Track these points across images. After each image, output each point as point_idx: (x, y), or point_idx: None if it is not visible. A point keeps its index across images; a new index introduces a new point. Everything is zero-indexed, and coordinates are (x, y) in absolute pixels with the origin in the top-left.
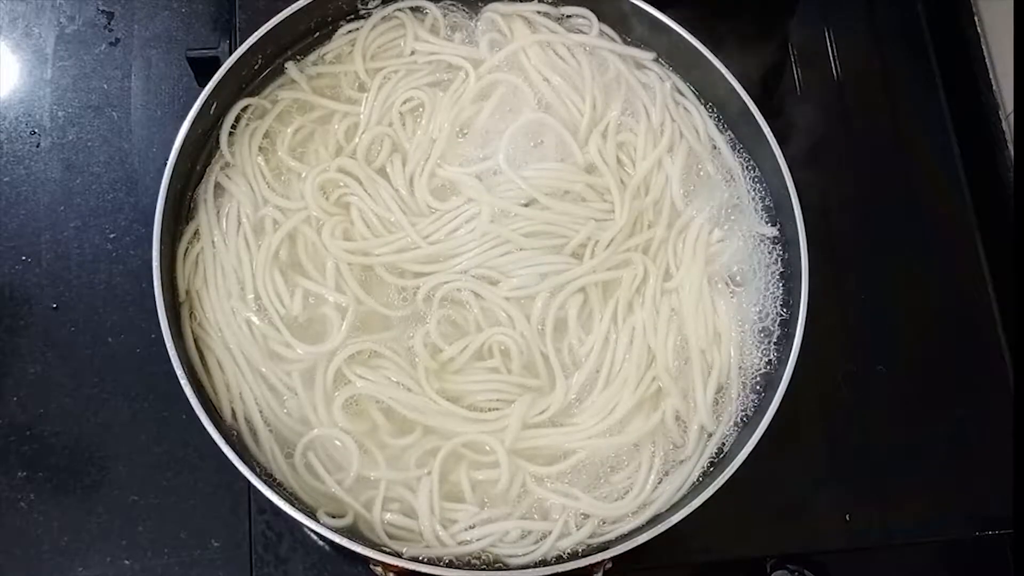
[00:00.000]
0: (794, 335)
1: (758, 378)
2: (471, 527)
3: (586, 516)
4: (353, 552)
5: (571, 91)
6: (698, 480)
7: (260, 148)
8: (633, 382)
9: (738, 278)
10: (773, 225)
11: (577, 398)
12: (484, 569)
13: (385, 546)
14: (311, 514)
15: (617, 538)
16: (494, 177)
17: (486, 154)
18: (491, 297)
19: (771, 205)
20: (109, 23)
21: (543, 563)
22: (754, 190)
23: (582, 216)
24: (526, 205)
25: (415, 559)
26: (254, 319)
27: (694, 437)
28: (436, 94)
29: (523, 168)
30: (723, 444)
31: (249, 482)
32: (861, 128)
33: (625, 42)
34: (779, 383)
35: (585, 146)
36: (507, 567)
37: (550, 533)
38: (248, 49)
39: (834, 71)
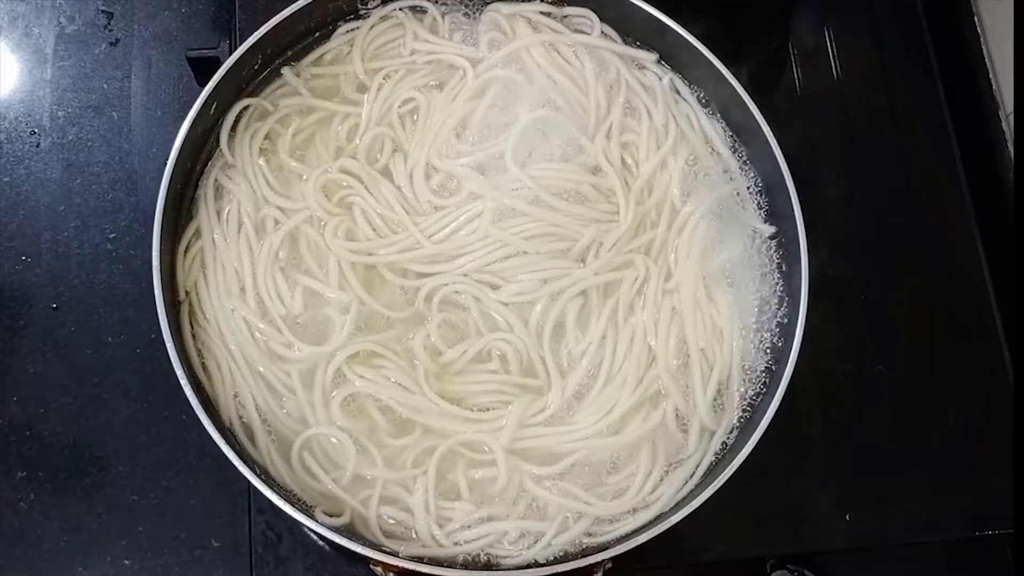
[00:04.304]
0: (794, 335)
1: (758, 377)
2: (468, 527)
3: (582, 514)
4: (353, 552)
5: (576, 91)
6: (699, 480)
7: (261, 149)
8: (633, 382)
9: (737, 277)
10: (772, 224)
11: (575, 398)
12: (483, 569)
13: (382, 545)
14: (309, 513)
15: (617, 538)
16: (499, 175)
17: (486, 147)
18: (489, 302)
19: (770, 204)
20: (109, 23)
21: (542, 563)
22: (753, 189)
23: (586, 218)
24: (530, 203)
25: (413, 558)
26: (254, 319)
27: (695, 436)
28: (433, 94)
29: (528, 167)
30: (724, 444)
31: (249, 482)
32: (861, 128)
33: (626, 42)
34: (779, 383)
35: (590, 146)
36: (505, 567)
37: (547, 531)
38: (248, 49)
39: (834, 71)
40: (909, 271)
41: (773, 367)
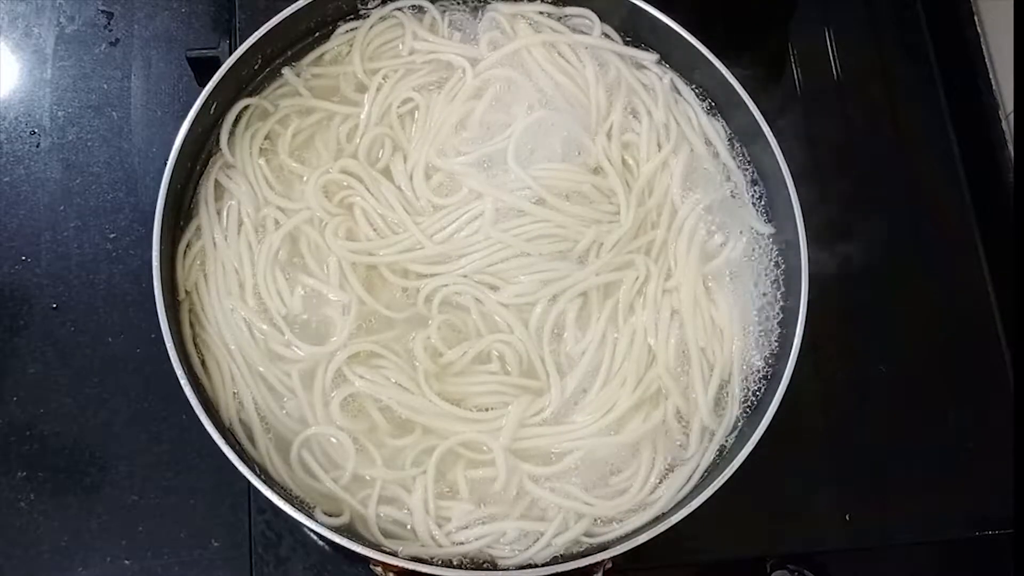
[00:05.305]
0: (794, 335)
1: (759, 377)
2: (467, 526)
3: (582, 515)
4: (352, 552)
5: (576, 91)
6: (700, 480)
7: (261, 150)
8: (633, 382)
9: (738, 277)
10: (772, 224)
11: (574, 397)
12: (482, 569)
13: (381, 545)
14: (309, 513)
15: (617, 538)
16: (500, 174)
17: (487, 146)
18: (489, 303)
19: (770, 204)
20: (109, 23)
21: (541, 563)
22: (753, 189)
23: (588, 218)
24: (532, 203)
25: (412, 558)
26: (254, 318)
27: (695, 436)
28: (432, 94)
29: (530, 166)
30: (724, 444)
31: (249, 482)
32: (861, 128)
33: (626, 43)
34: (779, 383)
35: (591, 146)
36: (504, 567)
37: (546, 531)
38: (248, 49)
39: (834, 71)
40: (909, 271)
41: (773, 367)
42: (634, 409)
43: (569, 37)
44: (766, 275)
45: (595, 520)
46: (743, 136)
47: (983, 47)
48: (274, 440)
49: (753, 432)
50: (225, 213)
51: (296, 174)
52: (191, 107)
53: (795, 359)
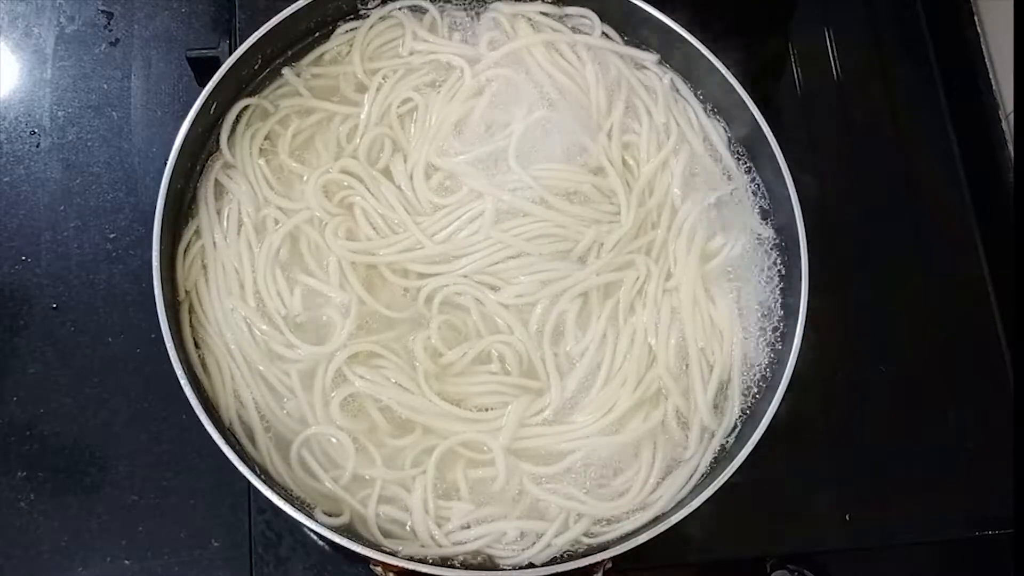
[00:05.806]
0: (794, 335)
1: (758, 377)
2: (467, 526)
3: (582, 515)
4: (353, 552)
5: (577, 91)
6: (700, 480)
7: (261, 150)
8: (633, 382)
9: (737, 277)
10: (772, 224)
11: (574, 397)
12: (482, 569)
13: (381, 545)
14: (309, 513)
15: (617, 538)
16: (501, 174)
17: (487, 146)
18: (490, 304)
19: (770, 204)
20: (109, 23)
21: (541, 563)
22: (753, 189)
23: (588, 218)
24: (533, 203)
25: (412, 558)
26: (254, 318)
27: (695, 437)
28: (431, 94)
29: (530, 166)
30: (724, 444)
31: (249, 482)
32: (861, 128)
33: (626, 43)
34: (779, 383)
35: (592, 146)
36: (504, 567)
37: (546, 531)
38: (248, 49)
39: (834, 71)
40: (909, 271)
41: (773, 367)
42: (634, 409)
43: (569, 37)
44: (766, 275)
45: (595, 520)
46: (743, 136)
47: (983, 47)
48: (274, 440)
49: (753, 432)
50: (225, 213)
51: (296, 174)
52: (191, 107)
53: (795, 359)
